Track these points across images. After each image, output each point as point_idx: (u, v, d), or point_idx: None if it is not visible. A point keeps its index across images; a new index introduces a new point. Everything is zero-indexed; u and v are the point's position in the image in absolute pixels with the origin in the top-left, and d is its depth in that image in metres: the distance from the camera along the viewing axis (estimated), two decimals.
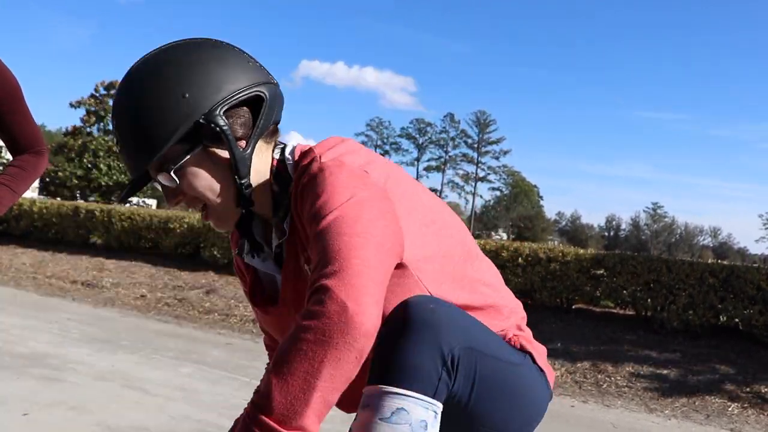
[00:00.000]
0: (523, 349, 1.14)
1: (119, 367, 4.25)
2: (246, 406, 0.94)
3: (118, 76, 1.12)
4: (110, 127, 27.52)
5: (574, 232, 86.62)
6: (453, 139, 78.79)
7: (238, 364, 4.70)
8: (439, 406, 0.94)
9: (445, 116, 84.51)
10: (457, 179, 77.92)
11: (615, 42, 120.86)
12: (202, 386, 3.95)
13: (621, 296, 6.65)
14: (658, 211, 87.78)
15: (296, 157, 1.13)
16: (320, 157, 1.06)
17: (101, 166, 31.79)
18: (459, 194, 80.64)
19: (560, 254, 6.95)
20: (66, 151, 32.19)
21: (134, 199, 33.05)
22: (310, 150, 1.09)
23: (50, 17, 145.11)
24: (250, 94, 1.07)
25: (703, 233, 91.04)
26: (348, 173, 1.02)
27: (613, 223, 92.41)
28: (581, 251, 7.14)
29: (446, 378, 0.94)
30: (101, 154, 32.09)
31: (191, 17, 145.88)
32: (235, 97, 1.05)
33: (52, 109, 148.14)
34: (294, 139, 1.20)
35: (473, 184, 78.08)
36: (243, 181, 1.07)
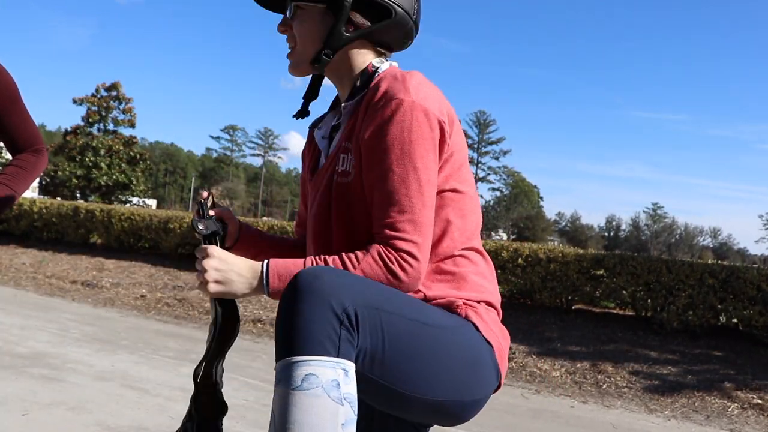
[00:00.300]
0: (467, 319, 1.16)
1: (119, 367, 4.25)
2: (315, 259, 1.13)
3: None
4: (111, 127, 27.32)
5: (574, 232, 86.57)
6: None
7: (238, 364, 4.69)
8: (347, 364, 0.96)
9: None
10: None
11: (615, 42, 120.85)
12: None
13: (621, 297, 6.65)
14: (658, 211, 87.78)
15: (387, 71, 1.26)
16: (410, 90, 1.16)
17: (102, 164, 31.75)
18: None
19: (560, 255, 6.94)
20: (67, 151, 32.15)
21: (134, 199, 33.04)
22: (401, 80, 1.18)
23: (50, 17, 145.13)
24: (383, 3, 1.23)
25: (703, 234, 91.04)
26: (428, 124, 1.15)
27: (613, 223, 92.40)
28: (581, 252, 7.13)
29: (347, 336, 0.97)
30: (102, 153, 32.07)
31: (191, 17, 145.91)
32: None
33: (52, 109, 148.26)
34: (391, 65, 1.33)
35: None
36: (325, 51, 1.25)
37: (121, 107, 33.56)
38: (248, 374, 4.38)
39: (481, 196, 78.53)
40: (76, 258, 10.09)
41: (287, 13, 1.30)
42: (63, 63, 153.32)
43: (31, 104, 1.88)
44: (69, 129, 33.06)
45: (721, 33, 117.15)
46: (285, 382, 0.94)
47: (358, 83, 1.28)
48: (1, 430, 2.83)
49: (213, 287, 1.13)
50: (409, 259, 1.12)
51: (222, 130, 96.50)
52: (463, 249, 1.24)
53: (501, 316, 1.28)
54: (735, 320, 6.07)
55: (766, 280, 5.94)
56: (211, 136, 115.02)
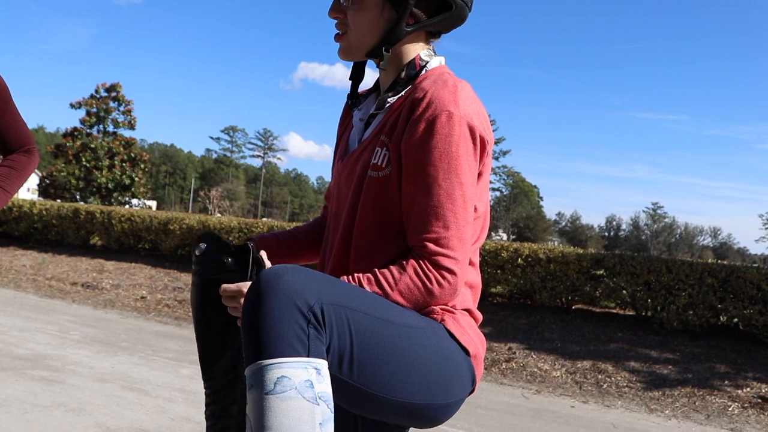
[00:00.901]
0: (442, 323, 1.16)
1: (119, 368, 4.25)
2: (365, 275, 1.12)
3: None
4: (111, 129, 27.18)
5: (574, 232, 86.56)
6: None
7: None
8: (319, 362, 0.94)
9: None
10: None
11: (613, 44, 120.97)
12: (202, 388, 3.95)
13: (621, 296, 6.65)
14: (658, 211, 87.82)
15: (439, 69, 1.26)
16: (460, 103, 1.16)
17: (102, 166, 31.71)
18: None
19: (560, 255, 6.94)
20: (65, 153, 32.11)
21: (135, 200, 33.02)
22: (451, 89, 1.17)
23: (50, 18, 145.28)
24: None
25: (703, 233, 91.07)
26: (473, 140, 1.16)
27: (613, 223, 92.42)
28: (581, 252, 7.13)
29: (315, 334, 0.95)
30: (101, 154, 32.05)
31: (191, 17, 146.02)
32: None
33: (52, 110, 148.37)
34: (441, 61, 1.32)
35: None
36: (386, 46, 1.24)
37: (120, 109, 33.54)
38: None
39: None
40: (76, 260, 10.09)
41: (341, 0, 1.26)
42: (63, 64, 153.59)
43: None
44: (67, 131, 33.01)
45: (719, 34, 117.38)
46: (258, 387, 0.92)
47: (403, 75, 1.26)
48: (1, 430, 2.83)
49: None
50: (449, 276, 1.12)
51: (222, 131, 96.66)
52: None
53: (478, 324, 1.28)
54: (735, 320, 6.07)
55: (766, 280, 5.94)
56: (211, 137, 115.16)
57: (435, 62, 1.28)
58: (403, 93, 1.24)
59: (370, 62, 1.34)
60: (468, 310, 1.25)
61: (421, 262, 1.12)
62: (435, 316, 1.16)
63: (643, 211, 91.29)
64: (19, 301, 6.93)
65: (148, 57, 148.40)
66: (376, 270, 1.13)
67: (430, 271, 1.11)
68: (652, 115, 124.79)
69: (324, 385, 0.94)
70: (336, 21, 1.28)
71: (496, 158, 77.67)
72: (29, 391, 3.50)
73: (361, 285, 1.10)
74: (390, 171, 1.19)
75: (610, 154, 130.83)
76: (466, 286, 1.26)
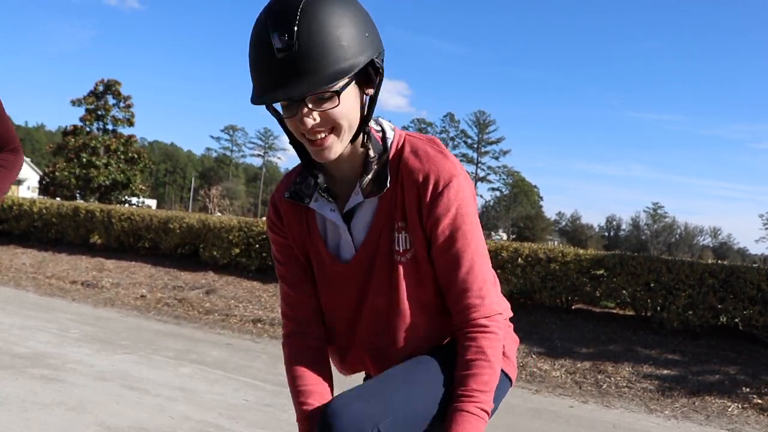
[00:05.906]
0: None
1: (119, 367, 4.25)
2: (462, 403, 1.18)
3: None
4: (110, 126, 26.86)
5: (574, 232, 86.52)
6: (453, 138, 78.83)
7: (238, 364, 4.70)
8: None
9: (444, 116, 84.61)
10: None
11: (610, 44, 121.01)
12: (201, 386, 3.95)
13: (621, 296, 6.65)
14: (659, 211, 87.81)
15: (400, 137, 1.25)
16: (456, 164, 1.22)
17: (98, 163, 31.64)
18: None
19: (560, 254, 6.94)
20: (66, 152, 32.08)
21: (134, 200, 32.98)
22: (443, 153, 1.23)
23: (50, 19, 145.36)
24: (379, 66, 1.16)
25: (703, 233, 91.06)
26: (474, 201, 1.26)
27: (613, 223, 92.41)
28: (581, 251, 7.13)
29: None
30: (100, 152, 32.02)
31: (190, 17, 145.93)
32: (383, 52, 1.16)
33: (53, 109, 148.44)
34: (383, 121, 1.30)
35: (473, 184, 77.93)
36: (364, 126, 1.18)
37: (119, 106, 33.50)
38: (248, 374, 4.38)
39: (481, 196, 78.49)
40: (76, 258, 10.09)
41: (308, 104, 1.10)
42: (64, 64, 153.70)
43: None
44: (68, 129, 32.99)
45: (717, 34, 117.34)
46: None
47: (371, 152, 1.21)
48: (2, 430, 2.83)
49: None
50: (488, 333, 1.23)
51: (222, 130, 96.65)
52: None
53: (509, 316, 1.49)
54: (735, 320, 6.07)
55: (766, 280, 5.94)
56: (211, 136, 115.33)
57: (388, 128, 1.24)
58: (388, 174, 1.20)
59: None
60: (510, 318, 1.46)
61: (467, 335, 1.22)
62: None
63: (644, 211, 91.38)
64: (19, 300, 6.93)
65: (148, 57, 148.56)
66: (469, 386, 1.19)
67: (475, 340, 1.22)
68: (648, 114, 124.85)
69: None
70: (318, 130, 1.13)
71: (496, 158, 77.76)
72: (29, 389, 3.50)
73: (479, 412, 1.18)
74: (414, 251, 1.24)
75: (608, 153, 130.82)
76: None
